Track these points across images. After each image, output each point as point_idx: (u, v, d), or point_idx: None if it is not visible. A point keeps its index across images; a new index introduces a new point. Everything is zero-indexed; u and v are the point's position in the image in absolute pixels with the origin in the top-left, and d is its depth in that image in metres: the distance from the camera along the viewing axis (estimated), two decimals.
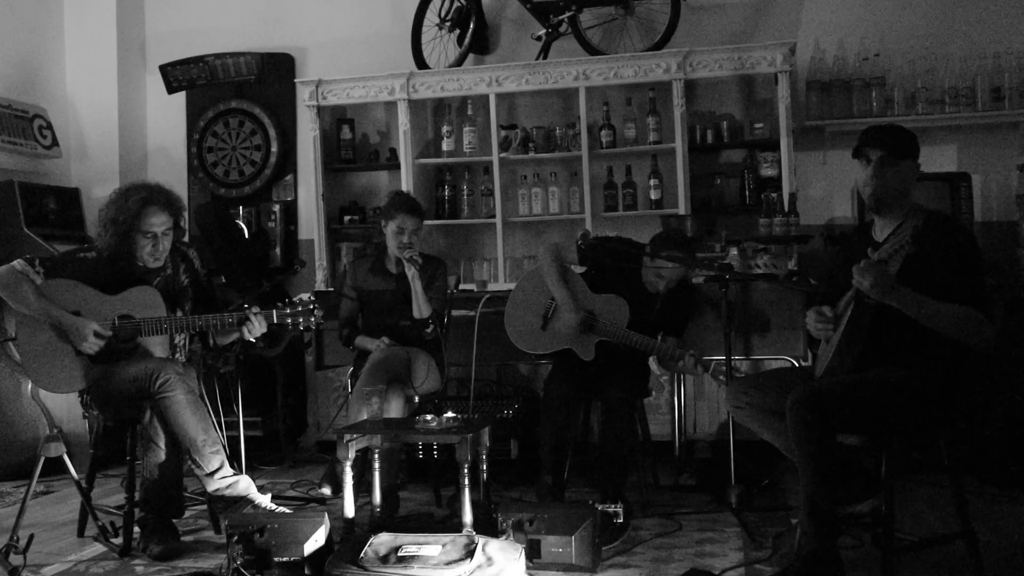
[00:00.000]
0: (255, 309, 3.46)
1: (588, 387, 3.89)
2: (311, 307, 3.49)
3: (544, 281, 3.98)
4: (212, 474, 3.35)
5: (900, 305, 2.67)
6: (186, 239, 4.01)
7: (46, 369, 3.41)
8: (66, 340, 3.39)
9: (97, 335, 3.35)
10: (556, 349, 3.93)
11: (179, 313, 3.59)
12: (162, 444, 3.36)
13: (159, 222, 3.48)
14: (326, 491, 3.99)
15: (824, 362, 2.89)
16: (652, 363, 4.06)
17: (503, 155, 5.29)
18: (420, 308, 4.01)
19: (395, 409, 3.74)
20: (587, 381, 3.86)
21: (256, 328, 3.46)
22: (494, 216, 5.30)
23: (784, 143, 4.87)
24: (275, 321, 3.48)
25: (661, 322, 3.93)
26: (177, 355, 3.62)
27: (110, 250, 3.49)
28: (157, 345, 3.52)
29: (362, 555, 2.83)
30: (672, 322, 3.97)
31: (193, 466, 3.35)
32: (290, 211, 5.86)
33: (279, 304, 3.51)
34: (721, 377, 3.70)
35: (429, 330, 4.01)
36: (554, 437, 3.77)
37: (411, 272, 3.99)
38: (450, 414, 3.40)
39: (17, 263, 3.42)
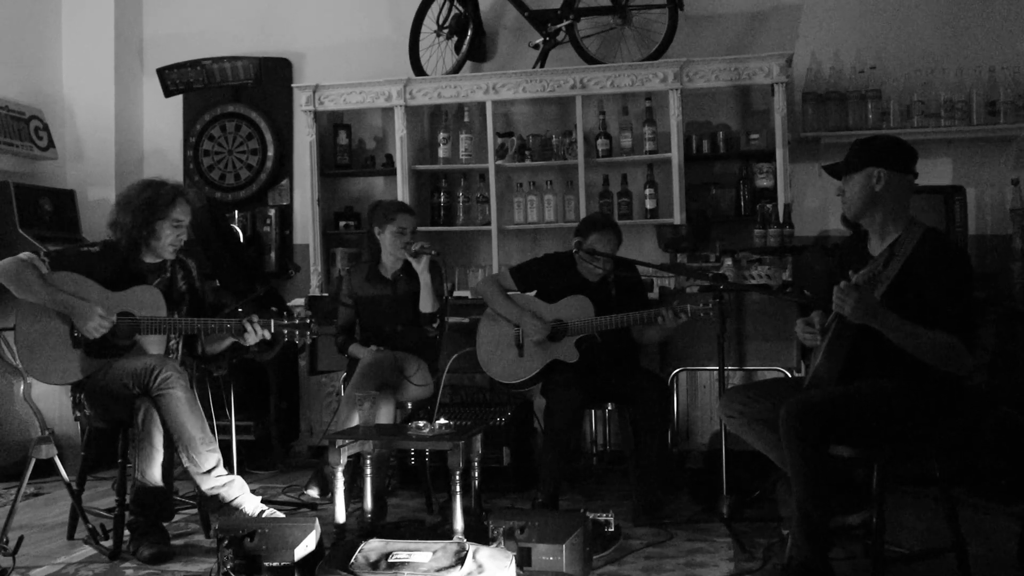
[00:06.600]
0: (254, 318, 3.47)
1: (594, 394, 3.94)
2: (308, 322, 3.52)
3: (499, 315, 4.06)
4: (208, 472, 3.35)
5: (880, 328, 2.68)
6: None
7: (41, 359, 3.42)
8: (66, 327, 3.39)
9: (102, 317, 3.36)
10: (542, 366, 3.99)
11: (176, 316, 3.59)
12: (153, 446, 3.35)
13: (186, 213, 3.60)
14: (313, 493, 3.99)
15: (810, 370, 2.90)
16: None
17: (499, 162, 5.30)
18: (427, 302, 4.03)
19: (384, 415, 3.73)
20: (593, 388, 3.89)
21: (252, 337, 3.48)
22: (489, 223, 5.31)
23: (780, 154, 4.89)
24: (271, 332, 3.51)
25: (622, 305, 4.00)
26: (171, 356, 3.62)
27: (128, 236, 3.53)
28: (153, 345, 3.53)
29: (352, 561, 2.83)
30: (631, 302, 4.03)
31: (189, 464, 3.35)
32: (285, 216, 5.85)
33: (276, 312, 3.54)
34: (701, 314, 3.74)
35: (435, 325, 4.02)
36: (558, 449, 3.80)
37: (421, 265, 4.03)
38: (442, 420, 3.40)
39: (23, 254, 3.46)
